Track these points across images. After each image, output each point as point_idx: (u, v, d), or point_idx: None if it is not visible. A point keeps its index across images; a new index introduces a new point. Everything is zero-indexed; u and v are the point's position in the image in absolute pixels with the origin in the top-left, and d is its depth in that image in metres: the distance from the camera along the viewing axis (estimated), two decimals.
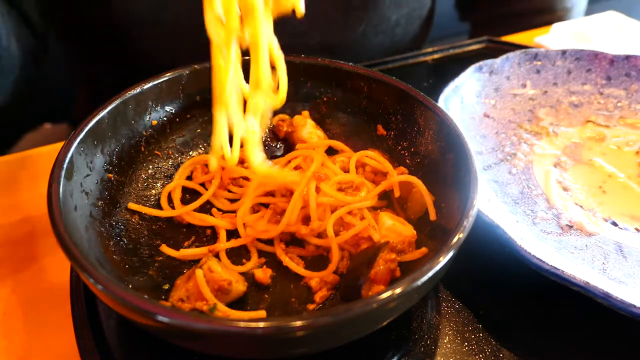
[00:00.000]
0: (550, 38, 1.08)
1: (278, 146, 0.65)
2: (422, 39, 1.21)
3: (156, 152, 0.63)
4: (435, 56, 1.00)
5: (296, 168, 0.61)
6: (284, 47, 0.98)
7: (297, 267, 0.52)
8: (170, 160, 0.64)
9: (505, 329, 0.50)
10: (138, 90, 0.59)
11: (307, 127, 0.67)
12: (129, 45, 0.93)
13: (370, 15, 0.98)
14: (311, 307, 0.49)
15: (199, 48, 0.93)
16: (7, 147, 1.00)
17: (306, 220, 0.55)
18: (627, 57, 0.83)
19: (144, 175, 0.60)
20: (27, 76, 0.87)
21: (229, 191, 0.61)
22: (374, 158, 0.61)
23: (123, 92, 0.58)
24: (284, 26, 0.94)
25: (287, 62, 0.67)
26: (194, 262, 0.53)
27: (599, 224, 0.61)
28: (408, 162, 0.62)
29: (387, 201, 0.59)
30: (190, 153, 0.66)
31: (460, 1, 1.30)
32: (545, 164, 0.70)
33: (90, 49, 1.03)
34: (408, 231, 0.52)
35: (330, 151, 0.65)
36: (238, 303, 0.49)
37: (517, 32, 1.12)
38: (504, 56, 0.83)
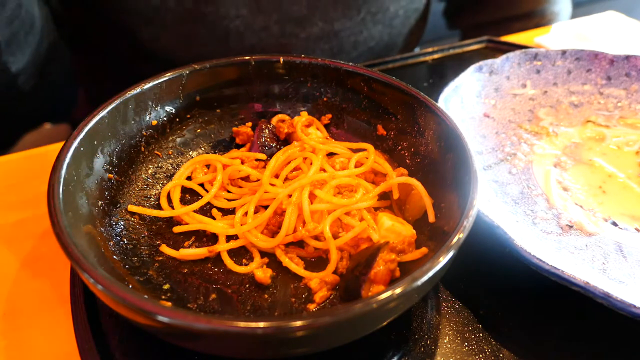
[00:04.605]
0: (550, 38, 1.08)
1: (278, 147, 0.65)
2: (418, 37, 1.23)
3: (156, 152, 0.63)
4: (435, 56, 1.00)
5: (295, 169, 0.61)
6: (287, 35, 1.01)
7: (297, 268, 0.52)
8: (170, 160, 0.64)
9: (505, 329, 0.50)
10: (138, 90, 0.59)
11: (308, 128, 0.67)
12: (131, 37, 0.95)
13: (370, 3, 1.00)
14: (311, 307, 0.49)
15: (199, 41, 0.95)
16: (7, 147, 1.00)
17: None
18: (627, 57, 0.83)
19: (144, 175, 0.60)
20: (43, 56, 0.89)
21: (228, 191, 0.61)
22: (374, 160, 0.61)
23: (123, 92, 0.58)
24: (285, 13, 0.98)
25: (288, 62, 0.68)
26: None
27: (599, 224, 0.61)
28: (408, 162, 0.62)
29: (389, 201, 0.59)
30: (190, 153, 0.66)
31: (447, 9, 1.32)
32: (545, 164, 0.70)
33: (94, 38, 1.05)
34: (407, 231, 0.52)
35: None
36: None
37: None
38: (504, 56, 0.83)
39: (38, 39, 0.86)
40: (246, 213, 0.56)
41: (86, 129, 0.52)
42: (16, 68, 0.83)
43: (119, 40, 0.98)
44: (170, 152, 0.64)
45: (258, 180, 0.60)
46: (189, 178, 0.62)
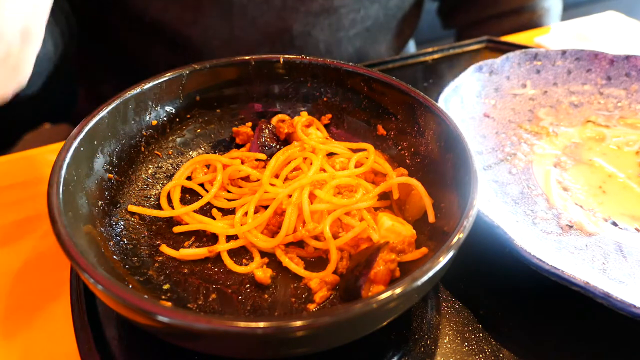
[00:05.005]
0: (550, 38, 1.08)
1: (278, 147, 0.65)
2: (412, 26, 1.25)
3: (156, 152, 0.63)
4: (435, 56, 1.00)
5: (295, 169, 0.61)
6: (288, 9, 1.03)
7: (297, 268, 0.52)
8: (170, 160, 0.64)
9: (505, 329, 0.50)
10: (138, 90, 0.59)
11: (308, 128, 0.67)
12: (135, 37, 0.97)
13: None
14: (311, 307, 0.49)
15: (204, 13, 0.96)
16: (7, 147, 1.00)
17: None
18: (627, 57, 0.83)
19: (144, 176, 0.60)
20: (52, 72, 0.89)
21: (228, 191, 0.61)
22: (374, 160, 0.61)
23: (123, 92, 0.58)
24: None
25: (288, 62, 0.68)
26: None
27: (599, 224, 0.61)
28: (408, 162, 0.62)
29: (389, 201, 0.59)
30: (190, 153, 0.66)
31: (440, 8, 1.34)
32: (545, 164, 0.70)
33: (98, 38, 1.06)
34: (407, 231, 0.52)
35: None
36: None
37: (502, 34, 1.13)
38: (504, 56, 0.83)
39: (51, 65, 0.88)
40: (246, 213, 0.56)
41: (86, 129, 0.52)
42: (26, 92, 0.84)
43: (124, 19, 0.99)
44: (170, 152, 0.64)
45: (258, 180, 0.60)
46: (189, 178, 0.62)
